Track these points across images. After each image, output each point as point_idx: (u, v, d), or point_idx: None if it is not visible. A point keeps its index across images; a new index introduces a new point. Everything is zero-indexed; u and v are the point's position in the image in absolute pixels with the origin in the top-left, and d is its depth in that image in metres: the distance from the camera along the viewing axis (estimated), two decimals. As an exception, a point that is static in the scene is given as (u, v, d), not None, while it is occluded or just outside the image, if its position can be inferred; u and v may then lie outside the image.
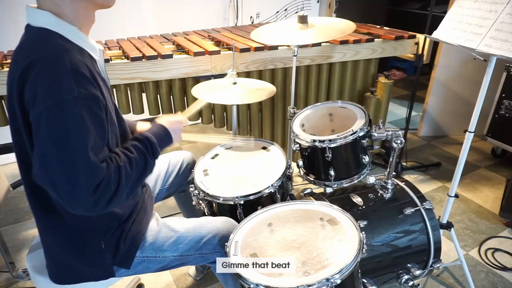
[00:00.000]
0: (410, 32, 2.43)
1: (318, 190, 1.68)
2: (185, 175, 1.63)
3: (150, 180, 1.51)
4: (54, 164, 0.87)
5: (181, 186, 1.65)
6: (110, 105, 1.03)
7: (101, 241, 1.11)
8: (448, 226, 1.74)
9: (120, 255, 1.14)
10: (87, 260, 1.12)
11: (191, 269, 1.87)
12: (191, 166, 1.65)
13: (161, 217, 1.33)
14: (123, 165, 0.98)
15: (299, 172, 1.72)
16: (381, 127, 1.54)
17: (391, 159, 1.53)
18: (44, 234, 1.12)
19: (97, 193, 0.90)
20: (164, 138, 1.16)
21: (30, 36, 0.96)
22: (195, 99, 2.08)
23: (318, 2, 3.81)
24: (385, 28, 2.65)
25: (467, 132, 1.60)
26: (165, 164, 1.58)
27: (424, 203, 1.51)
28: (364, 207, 1.52)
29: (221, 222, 1.31)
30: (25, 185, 1.06)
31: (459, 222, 2.22)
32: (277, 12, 3.59)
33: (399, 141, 1.47)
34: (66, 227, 1.08)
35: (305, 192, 1.61)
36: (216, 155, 1.70)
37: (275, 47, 2.14)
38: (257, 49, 2.10)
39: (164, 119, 1.23)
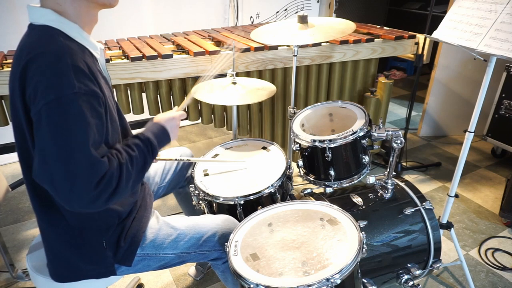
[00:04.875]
0: (410, 32, 2.43)
1: (318, 190, 1.68)
2: (183, 171, 1.64)
3: (148, 177, 1.52)
4: (53, 160, 0.87)
5: (180, 182, 1.65)
6: (111, 102, 1.03)
7: (102, 239, 1.11)
8: (448, 226, 1.74)
9: (120, 252, 1.15)
10: (88, 258, 1.12)
11: (191, 269, 1.87)
12: (188, 162, 1.65)
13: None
14: (125, 162, 0.99)
15: (299, 172, 1.72)
16: (381, 127, 1.54)
17: (391, 159, 1.53)
18: (45, 231, 1.12)
19: (99, 188, 0.90)
20: (162, 138, 1.17)
21: (32, 33, 0.97)
22: (195, 99, 2.09)
23: (318, 2, 3.81)
24: (385, 28, 2.65)
25: (467, 132, 1.61)
26: (163, 161, 1.59)
27: (424, 203, 1.52)
28: (364, 207, 1.52)
29: (221, 220, 1.32)
30: (27, 183, 1.06)
31: (459, 222, 2.22)
32: (277, 12, 3.59)
33: (399, 141, 1.47)
34: (67, 225, 1.08)
35: (305, 192, 1.61)
36: (216, 155, 1.70)
37: (275, 47, 2.14)
38: (257, 49, 2.11)
39: (161, 117, 1.22)
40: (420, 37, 2.41)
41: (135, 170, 1.01)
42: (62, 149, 0.87)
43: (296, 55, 1.89)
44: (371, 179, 1.57)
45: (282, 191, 1.53)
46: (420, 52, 2.42)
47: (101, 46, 1.09)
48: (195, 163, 1.65)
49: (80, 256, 1.12)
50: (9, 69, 1.68)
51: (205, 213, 1.52)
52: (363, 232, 1.13)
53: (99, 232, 1.11)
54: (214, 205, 1.49)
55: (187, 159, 1.60)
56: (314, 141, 1.53)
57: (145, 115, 2.21)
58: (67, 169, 0.87)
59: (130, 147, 1.05)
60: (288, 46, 2.17)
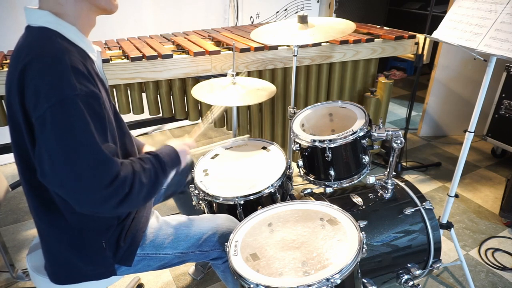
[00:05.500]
0: (410, 32, 2.43)
1: (318, 190, 1.68)
2: (183, 175, 1.63)
3: None
4: (61, 161, 0.87)
5: (180, 187, 1.65)
6: (108, 105, 1.03)
7: (102, 240, 1.11)
8: (448, 226, 1.74)
9: (120, 253, 1.15)
10: (88, 259, 1.12)
11: (191, 269, 1.87)
12: (189, 166, 1.65)
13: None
14: (138, 171, 1.00)
15: (299, 172, 1.72)
16: (381, 127, 1.54)
17: (391, 159, 1.53)
18: (44, 233, 1.12)
19: (111, 188, 0.90)
20: (173, 160, 1.18)
21: (30, 35, 0.97)
22: (194, 99, 2.09)
23: (318, 2, 3.81)
24: (385, 28, 2.65)
25: (467, 132, 1.61)
26: None
27: (424, 203, 1.52)
28: (364, 207, 1.52)
29: (221, 219, 1.32)
30: (24, 183, 1.06)
31: (459, 222, 2.22)
32: (277, 12, 3.59)
33: (399, 141, 1.47)
34: (67, 226, 1.08)
35: (305, 192, 1.61)
36: (216, 155, 1.70)
37: (275, 47, 2.14)
38: (257, 49, 2.11)
39: (173, 142, 1.24)
40: (420, 37, 2.41)
41: (147, 182, 1.01)
42: (68, 151, 0.87)
43: (296, 55, 1.89)
44: (371, 179, 1.56)
45: (282, 191, 1.53)
46: (420, 52, 2.42)
47: (98, 48, 1.09)
48: (196, 164, 1.65)
49: (80, 256, 1.12)
50: (9, 69, 1.68)
51: (205, 213, 1.52)
52: (363, 232, 1.13)
53: (99, 233, 1.11)
54: (214, 205, 1.49)
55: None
56: (314, 141, 1.53)
57: (145, 115, 2.21)
58: (75, 170, 0.87)
59: (142, 160, 1.06)
60: (288, 46, 2.17)
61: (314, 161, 1.61)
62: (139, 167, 1.01)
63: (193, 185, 1.51)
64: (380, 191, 1.59)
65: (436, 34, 1.63)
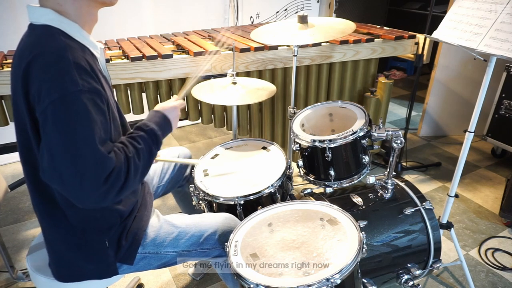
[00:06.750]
0: (410, 32, 2.43)
1: (318, 190, 1.68)
2: (181, 170, 1.64)
3: (147, 177, 1.52)
4: (61, 157, 0.88)
5: (178, 182, 1.66)
6: (111, 101, 1.04)
7: (105, 239, 1.12)
8: (448, 226, 1.74)
9: (122, 251, 1.15)
10: (90, 258, 1.13)
11: (191, 269, 1.87)
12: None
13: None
14: (132, 156, 0.99)
15: (299, 172, 1.72)
16: (381, 127, 1.54)
17: (391, 159, 1.53)
18: (47, 232, 1.12)
19: (108, 183, 0.91)
20: (165, 128, 1.17)
21: (32, 33, 0.97)
22: (195, 99, 2.10)
23: (318, 2, 3.81)
24: (385, 28, 2.65)
25: (467, 132, 1.61)
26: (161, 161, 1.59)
27: (424, 203, 1.52)
28: (364, 207, 1.52)
29: (221, 218, 1.33)
30: (28, 182, 1.06)
31: (459, 222, 2.22)
32: (277, 12, 3.59)
33: (399, 141, 1.47)
34: (70, 226, 1.08)
35: (305, 192, 1.61)
36: (216, 155, 1.70)
37: (275, 47, 2.14)
38: (257, 49, 2.11)
39: (162, 106, 1.23)
40: (420, 37, 2.41)
41: (142, 162, 1.02)
42: (69, 147, 0.88)
43: (296, 55, 1.89)
44: (371, 179, 1.57)
45: (282, 191, 1.53)
46: (420, 52, 2.42)
47: (101, 45, 1.09)
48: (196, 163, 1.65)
49: (82, 255, 1.12)
50: (9, 69, 1.69)
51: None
52: (363, 232, 1.13)
53: (101, 232, 1.11)
54: (214, 205, 1.49)
55: (186, 162, 1.61)
56: (314, 141, 1.53)
57: (145, 115, 2.21)
58: (75, 166, 0.88)
59: (135, 139, 1.05)
60: (288, 46, 2.17)
61: (314, 161, 1.61)
62: (131, 150, 1.01)
63: (193, 185, 1.52)
64: (380, 191, 1.59)
65: (436, 34, 1.63)
